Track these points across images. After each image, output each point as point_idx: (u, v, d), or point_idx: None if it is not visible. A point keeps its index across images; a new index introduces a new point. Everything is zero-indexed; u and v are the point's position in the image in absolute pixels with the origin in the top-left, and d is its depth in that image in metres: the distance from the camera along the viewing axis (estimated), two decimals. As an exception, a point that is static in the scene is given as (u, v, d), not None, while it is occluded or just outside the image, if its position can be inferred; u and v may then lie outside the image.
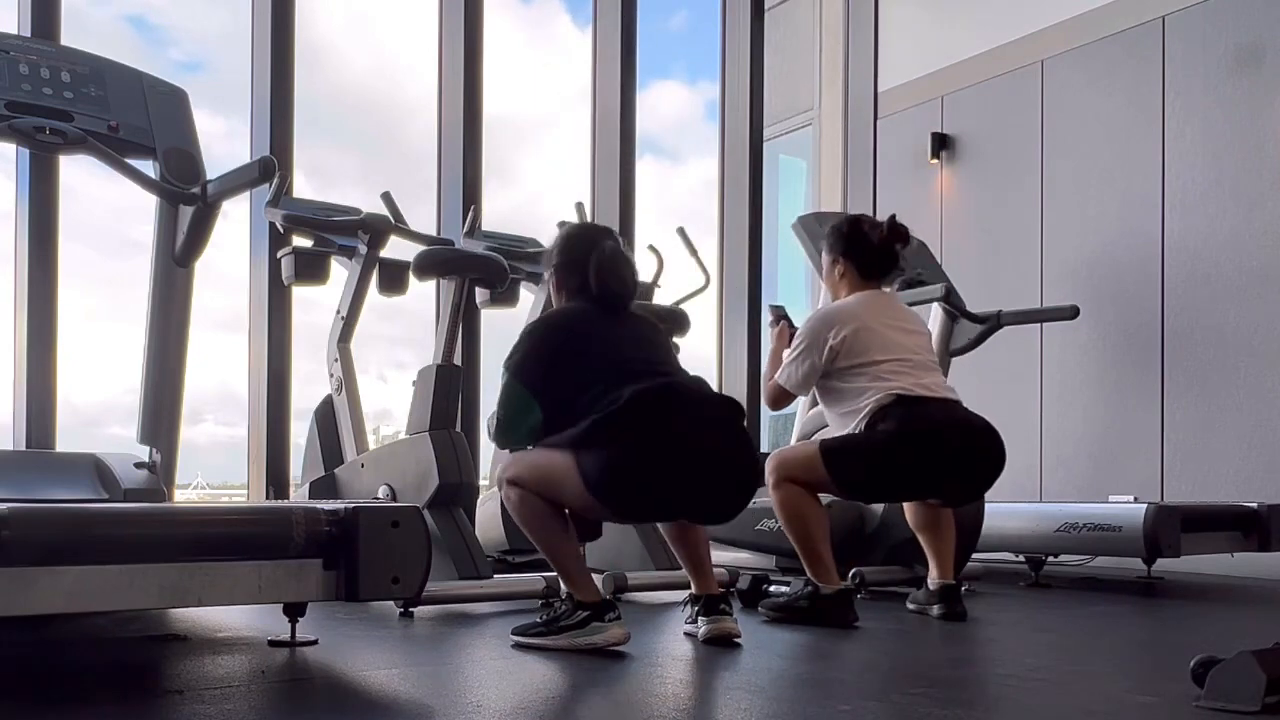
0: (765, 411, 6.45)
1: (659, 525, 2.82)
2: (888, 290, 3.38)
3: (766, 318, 3.59)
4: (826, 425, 3.34)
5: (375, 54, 6.45)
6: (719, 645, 2.60)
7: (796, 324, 3.38)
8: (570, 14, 8.50)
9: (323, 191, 4.47)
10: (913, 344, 3.18)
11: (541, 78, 6.83)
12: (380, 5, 6.23)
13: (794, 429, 4.43)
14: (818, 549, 3.04)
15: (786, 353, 3.25)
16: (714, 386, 3.06)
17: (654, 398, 2.46)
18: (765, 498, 4.24)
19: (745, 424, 2.67)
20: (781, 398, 3.30)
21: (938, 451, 3.03)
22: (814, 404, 3.92)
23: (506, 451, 2.85)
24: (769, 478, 3.10)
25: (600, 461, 2.42)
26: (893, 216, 3.28)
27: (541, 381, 2.57)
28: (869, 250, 3.26)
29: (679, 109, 8.75)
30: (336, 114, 5.06)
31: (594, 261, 2.65)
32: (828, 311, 3.23)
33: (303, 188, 4.52)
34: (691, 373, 2.72)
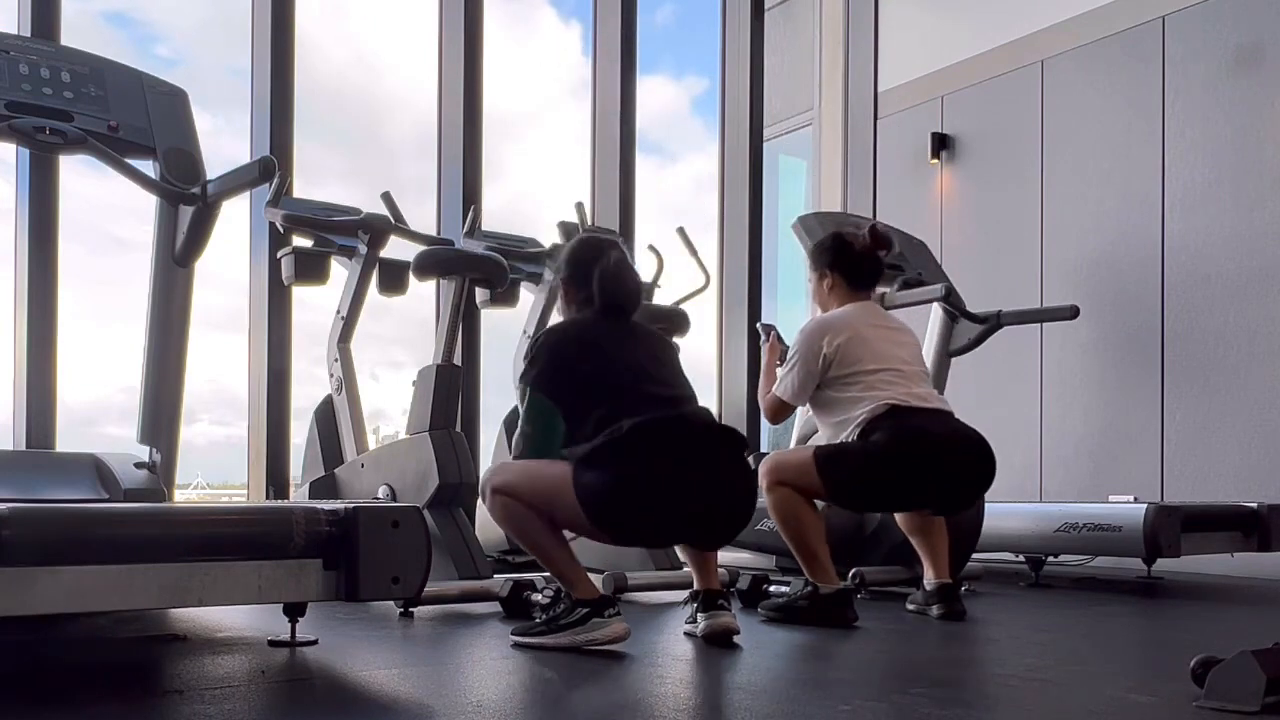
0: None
1: None
2: (875, 303, 3.45)
3: (762, 338, 3.65)
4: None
5: (353, 47, 6.41)
6: (718, 641, 2.61)
7: (787, 342, 3.42)
8: (555, 8, 8.46)
9: (306, 188, 4.47)
10: (904, 354, 3.22)
11: (529, 72, 6.81)
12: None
13: (794, 430, 4.43)
14: (813, 549, 3.06)
15: (782, 366, 3.29)
16: (716, 396, 3.11)
17: (653, 430, 2.51)
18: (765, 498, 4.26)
19: (745, 455, 2.72)
20: (780, 410, 3.33)
21: (930, 462, 3.05)
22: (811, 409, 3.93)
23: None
24: (763, 480, 3.12)
25: (597, 485, 2.47)
26: (873, 225, 3.36)
27: (557, 391, 2.62)
28: (855, 260, 3.33)
29: (666, 105, 8.73)
30: (318, 109, 5.06)
31: (598, 274, 2.73)
32: (821, 320, 3.28)
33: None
34: (693, 385, 2.79)
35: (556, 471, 2.53)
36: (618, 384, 2.61)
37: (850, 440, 3.09)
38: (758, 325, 3.71)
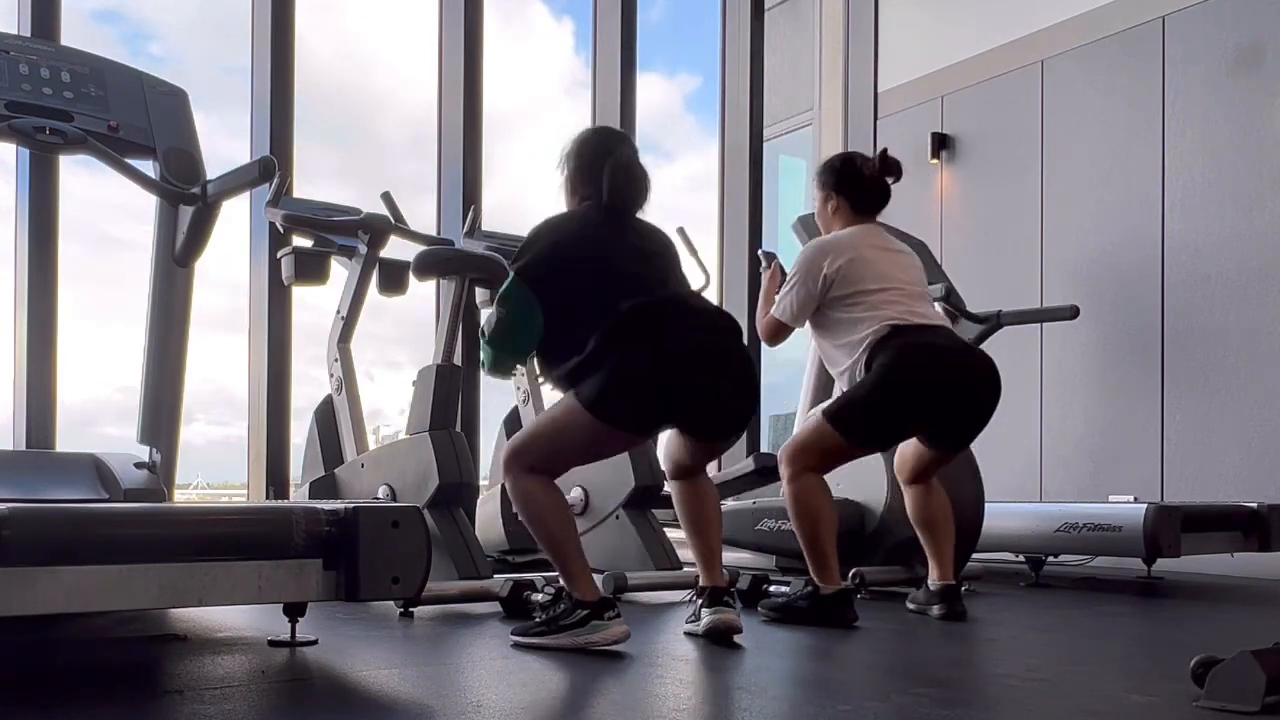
0: (765, 411, 6.46)
1: (679, 514, 2.79)
2: (878, 226, 3.34)
3: (763, 265, 3.61)
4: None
5: (347, 45, 6.40)
6: (719, 639, 2.61)
7: (787, 270, 3.35)
8: (547, 5, 8.47)
9: (301, 186, 4.47)
10: (906, 275, 3.19)
11: (522, 70, 6.79)
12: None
13: (794, 428, 4.43)
14: (824, 548, 3.04)
15: (782, 287, 3.25)
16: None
17: (652, 309, 2.49)
18: (766, 497, 4.26)
19: (743, 344, 2.68)
20: (778, 331, 3.28)
21: (935, 374, 3.03)
22: (812, 404, 3.92)
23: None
24: (784, 470, 3.10)
25: (598, 382, 2.44)
26: (884, 150, 3.29)
27: (545, 286, 2.55)
28: (861, 184, 3.28)
29: (660, 103, 8.74)
30: (312, 107, 5.07)
31: (609, 168, 2.64)
32: (822, 242, 3.24)
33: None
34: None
35: (557, 409, 2.52)
36: (611, 280, 2.53)
37: (858, 368, 3.06)
38: (759, 252, 3.65)
